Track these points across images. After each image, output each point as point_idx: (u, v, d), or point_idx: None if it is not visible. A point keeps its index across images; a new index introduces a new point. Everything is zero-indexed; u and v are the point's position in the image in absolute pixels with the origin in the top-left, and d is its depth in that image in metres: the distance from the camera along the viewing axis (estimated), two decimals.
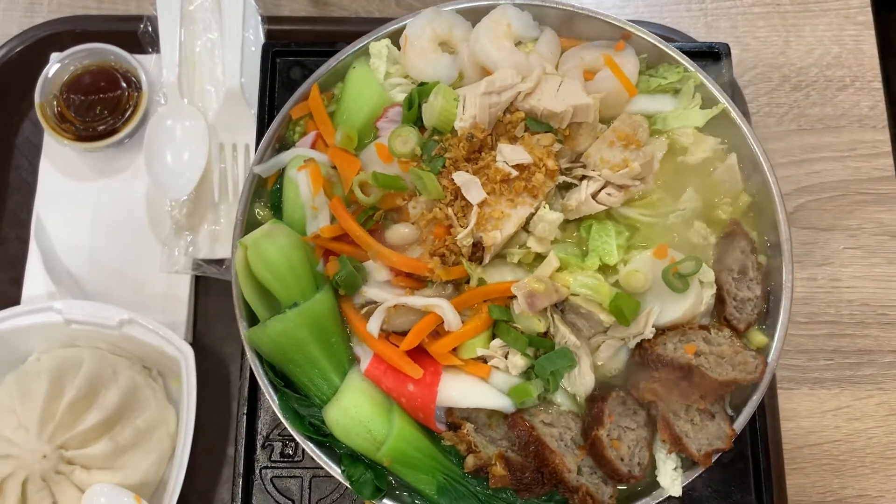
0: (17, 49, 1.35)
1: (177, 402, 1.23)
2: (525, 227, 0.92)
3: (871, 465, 1.22)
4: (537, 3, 0.99)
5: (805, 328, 1.30)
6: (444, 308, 0.87)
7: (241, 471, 0.98)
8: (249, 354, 0.91)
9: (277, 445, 1.00)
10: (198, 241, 1.27)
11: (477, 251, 0.91)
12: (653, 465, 0.90)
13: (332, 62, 0.99)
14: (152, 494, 1.18)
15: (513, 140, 0.93)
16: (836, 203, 1.35)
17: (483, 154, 0.92)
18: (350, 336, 0.92)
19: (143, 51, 1.34)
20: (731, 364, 0.88)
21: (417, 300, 0.88)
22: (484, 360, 0.90)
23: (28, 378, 1.15)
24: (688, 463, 0.89)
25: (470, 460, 0.89)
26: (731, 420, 0.90)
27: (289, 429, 0.89)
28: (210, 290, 1.29)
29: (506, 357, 0.90)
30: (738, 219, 0.96)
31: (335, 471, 0.89)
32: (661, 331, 0.90)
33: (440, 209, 0.89)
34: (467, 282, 0.91)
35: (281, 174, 0.97)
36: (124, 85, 1.31)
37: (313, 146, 0.97)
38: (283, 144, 1.00)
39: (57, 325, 1.20)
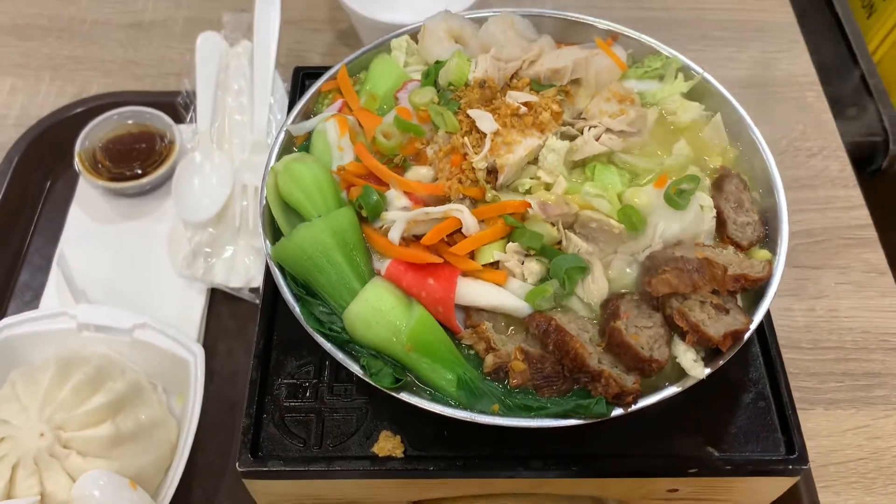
0: (66, 116, 1.49)
1: (179, 419, 1.20)
2: (534, 162, 1.00)
3: None
4: (535, 13, 1.15)
5: (811, 353, 1.32)
6: (463, 211, 0.92)
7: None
8: (273, 268, 0.94)
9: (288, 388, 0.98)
10: (214, 267, 1.32)
11: (491, 178, 0.98)
12: (673, 360, 0.89)
13: (358, 53, 1.13)
14: None
15: None
16: (823, 246, 1.44)
17: (494, 101, 1.02)
18: (371, 255, 0.95)
19: (179, 120, 1.48)
20: (739, 267, 0.92)
21: (437, 209, 0.93)
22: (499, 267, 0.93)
23: (34, 369, 1.14)
24: (709, 358, 0.89)
25: (489, 359, 0.89)
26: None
27: (308, 330, 0.89)
28: (221, 313, 1.32)
29: (522, 264, 0.93)
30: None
31: (353, 367, 0.87)
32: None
33: (456, 139, 0.98)
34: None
35: (309, 135, 1.06)
36: (159, 140, 1.44)
37: (340, 111, 1.07)
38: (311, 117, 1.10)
39: (69, 332, 1.21)
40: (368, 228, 0.96)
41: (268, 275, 1.04)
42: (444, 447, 0.94)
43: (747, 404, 0.98)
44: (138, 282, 1.33)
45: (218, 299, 1.35)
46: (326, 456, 0.93)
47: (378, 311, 0.88)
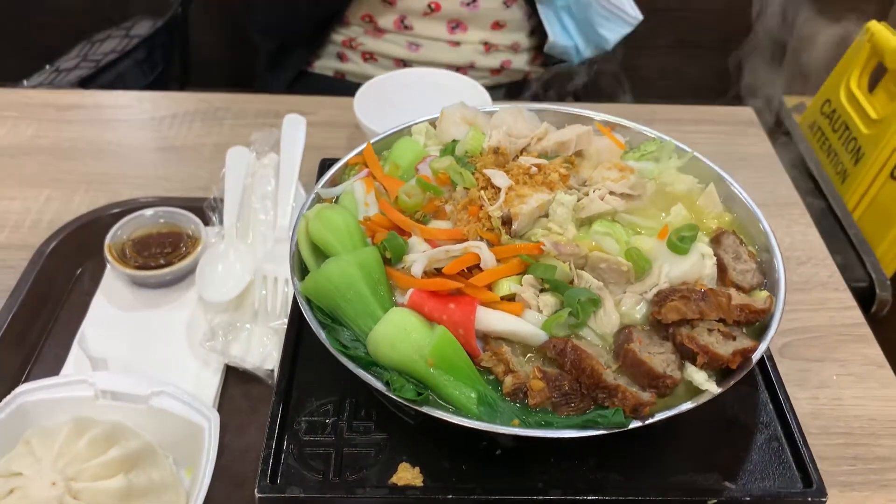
0: (99, 215, 1.58)
1: (188, 491, 1.19)
2: (545, 217, 1.08)
3: None
4: (539, 107, 1.29)
5: (819, 438, 1.33)
6: (482, 247, 0.99)
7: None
8: (300, 301, 0.99)
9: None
10: (231, 346, 1.35)
11: (505, 228, 1.05)
12: (686, 383, 0.92)
13: (382, 135, 1.25)
14: None
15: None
16: (821, 342, 1.49)
17: (506, 166, 1.13)
18: (394, 292, 1.01)
19: (206, 223, 1.57)
20: (742, 300, 0.97)
21: (457, 246, 1.00)
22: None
23: (50, 429, 1.15)
24: (720, 381, 0.92)
25: (509, 380, 0.92)
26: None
27: (333, 353, 0.93)
28: (235, 394, 1.34)
29: (537, 296, 0.98)
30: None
31: (377, 384, 0.90)
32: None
33: (473, 192, 1.07)
34: None
35: (336, 198, 1.15)
36: (185, 238, 1.53)
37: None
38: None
39: (85, 400, 1.23)
40: (391, 269, 1.02)
41: (292, 314, 1.08)
42: (462, 480, 0.94)
43: (760, 445, 1.00)
44: (155, 362, 1.36)
45: (232, 382, 1.37)
46: (346, 485, 0.93)
47: (402, 330, 0.92)
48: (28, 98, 1.97)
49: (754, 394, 1.05)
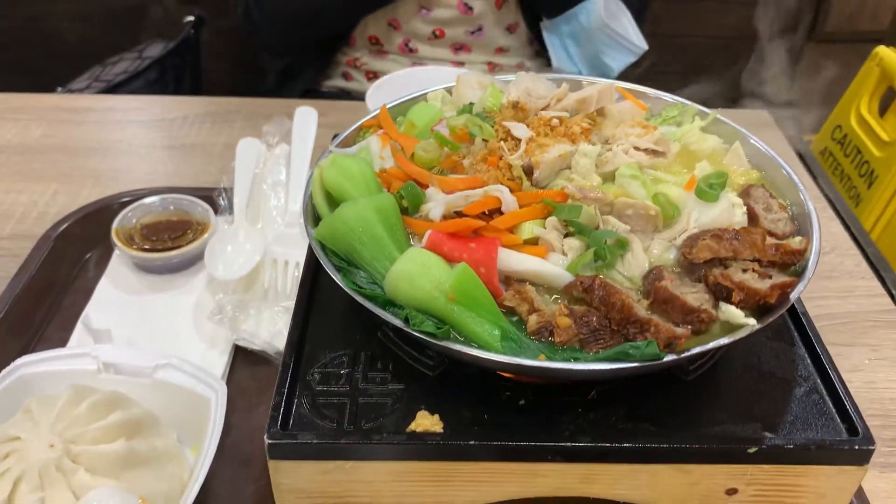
0: (110, 203, 1.56)
1: (192, 467, 1.14)
2: (567, 168, 1.05)
3: None
4: (555, 76, 1.26)
5: None
6: (503, 190, 0.96)
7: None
8: (314, 246, 0.95)
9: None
10: (239, 323, 1.31)
11: (527, 177, 1.02)
12: (721, 322, 0.87)
13: (398, 101, 1.22)
14: None
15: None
16: (850, 327, 1.44)
17: (526, 120, 1.10)
18: (411, 239, 0.97)
19: (217, 213, 1.54)
20: (776, 242, 0.93)
21: (476, 191, 0.96)
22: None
23: (50, 396, 1.10)
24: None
25: (533, 318, 0.87)
26: None
27: (349, 292, 0.88)
28: (243, 376, 1.30)
29: (562, 239, 0.94)
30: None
31: (395, 321, 0.85)
32: None
33: (493, 142, 1.04)
34: None
35: None
36: (195, 224, 1.49)
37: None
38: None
39: (87, 374, 1.18)
40: (408, 217, 0.98)
41: (305, 268, 1.04)
42: (484, 429, 0.89)
43: (800, 397, 0.94)
44: (160, 341, 1.32)
45: (239, 364, 1.32)
46: (361, 432, 0.87)
47: (422, 266, 0.87)
48: (40, 102, 1.96)
49: (790, 350, 1.00)
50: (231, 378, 1.29)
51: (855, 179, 2.60)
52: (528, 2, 2.17)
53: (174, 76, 2.72)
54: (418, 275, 0.87)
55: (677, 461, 0.88)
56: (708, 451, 0.87)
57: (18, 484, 0.98)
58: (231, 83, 3.25)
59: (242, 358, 1.32)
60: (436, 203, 0.96)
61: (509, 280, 0.92)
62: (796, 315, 1.04)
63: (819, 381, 0.95)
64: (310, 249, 1.01)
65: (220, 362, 1.29)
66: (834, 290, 1.51)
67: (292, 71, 2.35)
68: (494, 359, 0.82)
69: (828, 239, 1.63)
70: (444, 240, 0.92)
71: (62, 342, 1.33)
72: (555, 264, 0.92)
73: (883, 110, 2.51)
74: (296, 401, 0.91)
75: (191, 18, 2.76)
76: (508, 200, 0.95)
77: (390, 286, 0.89)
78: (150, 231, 1.47)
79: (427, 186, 1.01)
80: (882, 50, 2.51)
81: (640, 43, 2.25)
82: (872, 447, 0.87)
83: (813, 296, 1.49)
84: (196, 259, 1.46)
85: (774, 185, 1.09)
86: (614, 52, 2.28)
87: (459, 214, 0.95)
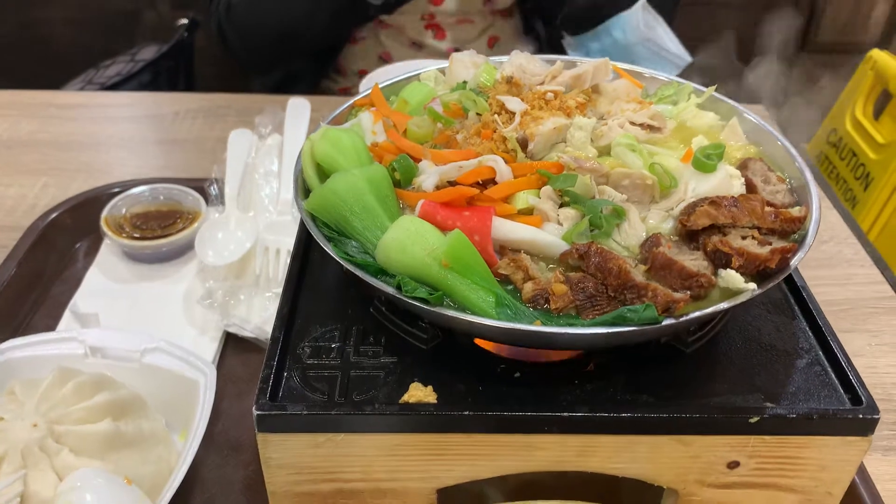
0: (101, 193, 1.54)
1: (179, 453, 1.11)
2: (562, 141, 1.03)
3: None
4: (550, 56, 1.25)
5: None
6: (497, 160, 0.94)
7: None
8: (304, 218, 0.93)
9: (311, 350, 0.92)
10: (229, 308, 1.29)
11: (522, 149, 1.00)
12: (721, 289, 0.85)
13: (391, 80, 1.21)
14: None
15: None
16: (850, 314, 1.42)
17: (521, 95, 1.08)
18: (403, 210, 0.95)
19: (208, 203, 1.53)
20: (775, 209, 0.91)
21: (470, 161, 0.95)
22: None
23: (35, 379, 1.07)
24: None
25: (528, 286, 0.85)
26: None
27: (340, 261, 0.86)
28: (233, 363, 1.27)
29: (557, 209, 0.92)
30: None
31: (387, 288, 0.83)
32: None
33: (486, 116, 1.02)
34: None
35: None
36: (185, 214, 1.47)
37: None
38: None
39: (75, 358, 1.16)
40: (400, 190, 0.96)
41: (296, 242, 1.02)
42: (478, 401, 0.86)
43: (802, 369, 0.92)
44: (149, 328, 1.29)
45: (230, 351, 1.30)
46: (352, 403, 0.85)
47: (414, 233, 0.85)
48: (31, 98, 1.95)
49: (791, 323, 0.98)
50: (221, 365, 1.27)
51: (851, 182, 2.60)
52: (546, 18, 2.06)
53: (167, 79, 2.71)
54: (411, 242, 0.85)
55: (677, 432, 0.85)
56: (709, 420, 0.85)
57: (0, 464, 0.95)
58: (224, 86, 3.23)
59: (233, 345, 1.30)
60: (428, 174, 0.94)
61: (504, 249, 0.90)
62: (797, 289, 1.02)
63: (821, 352, 0.93)
64: (301, 224, 0.99)
65: (210, 348, 1.27)
66: (833, 277, 1.49)
67: (283, 88, 2.31)
68: (489, 324, 0.80)
69: (825, 228, 1.61)
70: (438, 209, 0.90)
71: (49, 330, 1.31)
72: (550, 233, 0.90)
73: (878, 113, 2.52)
74: (286, 374, 0.89)
75: (184, 21, 2.75)
76: (503, 170, 0.93)
77: (382, 254, 0.86)
78: (139, 220, 1.45)
79: (420, 161, 0.99)
80: (876, 53, 2.51)
81: (681, 53, 2.07)
82: (877, 416, 0.85)
83: (812, 283, 1.46)
84: (186, 248, 1.44)
85: (772, 159, 1.08)
86: (655, 68, 2.21)
87: (453, 186, 0.93)
